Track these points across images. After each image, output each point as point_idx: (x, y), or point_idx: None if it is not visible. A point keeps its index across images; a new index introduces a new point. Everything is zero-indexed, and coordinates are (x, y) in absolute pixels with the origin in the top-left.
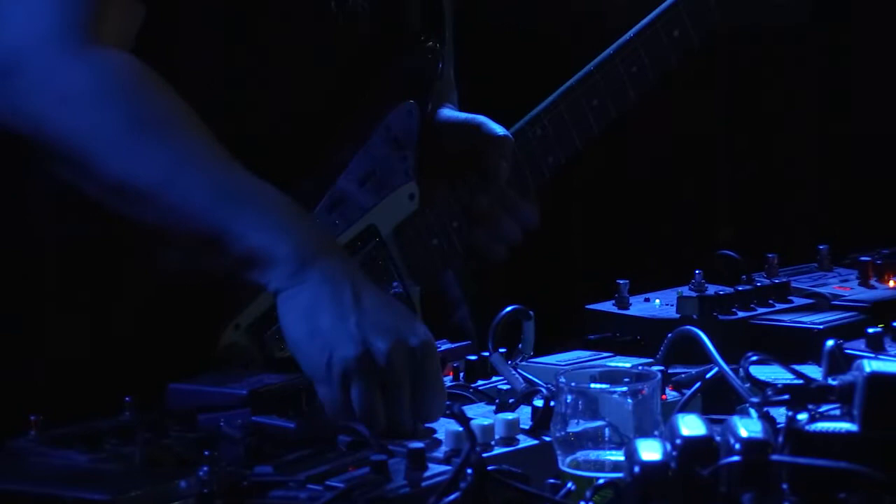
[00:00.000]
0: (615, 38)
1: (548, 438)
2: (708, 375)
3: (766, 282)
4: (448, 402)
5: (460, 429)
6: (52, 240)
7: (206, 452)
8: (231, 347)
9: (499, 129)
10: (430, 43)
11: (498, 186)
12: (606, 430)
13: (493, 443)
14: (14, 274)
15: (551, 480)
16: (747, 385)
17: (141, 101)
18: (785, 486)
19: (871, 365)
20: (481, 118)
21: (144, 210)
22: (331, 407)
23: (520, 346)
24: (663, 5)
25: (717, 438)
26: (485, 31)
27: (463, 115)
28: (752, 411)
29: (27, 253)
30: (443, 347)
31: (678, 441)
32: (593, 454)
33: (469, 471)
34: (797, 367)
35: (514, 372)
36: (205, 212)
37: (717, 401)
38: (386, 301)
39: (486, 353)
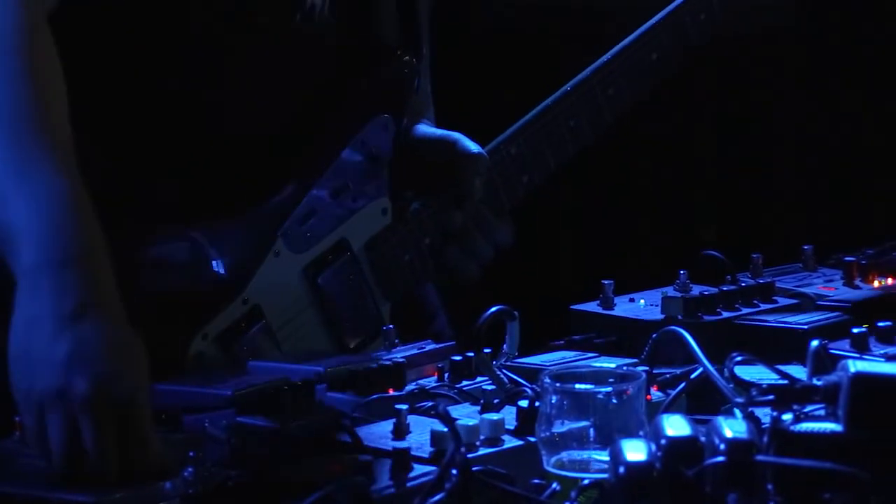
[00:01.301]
0: (597, 55)
1: (533, 439)
2: (693, 375)
3: (751, 282)
4: (433, 403)
5: (445, 429)
6: None
7: (191, 453)
8: (199, 357)
9: (473, 147)
10: (407, 57)
11: (472, 204)
12: (591, 431)
13: (477, 443)
14: None
15: (536, 481)
16: (732, 385)
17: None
18: (770, 486)
19: (856, 365)
20: (457, 135)
21: None
22: (29, 434)
23: (504, 346)
24: (642, 28)
25: (702, 439)
26: (463, 47)
27: (439, 132)
28: (737, 411)
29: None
30: (427, 348)
31: (663, 441)
32: (578, 454)
33: (454, 471)
34: (782, 368)
35: (498, 372)
36: None
37: (702, 401)
38: (113, 339)
39: (471, 354)
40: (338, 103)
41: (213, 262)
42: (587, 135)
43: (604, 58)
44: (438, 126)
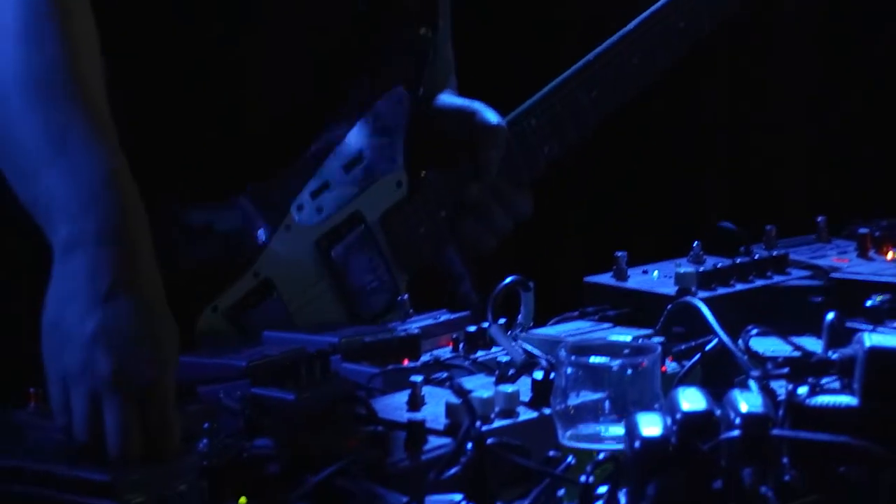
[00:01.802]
0: (622, 23)
1: (548, 411)
2: (708, 347)
3: (765, 254)
4: (446, 374)
5: (459, 402)
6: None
7: (206, 425)
8: (209, 330)
9: (493, 118)
10: (423, 30)
11: (490, 176)
12: (606, 403)
13: (492, 416)
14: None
15: (551, 453)
16: (747, 358)
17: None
18: (785, 460)
19: (872, 338)
20: (477, 105)
21: None
22: (54, 406)
23: (519, 317)
24: None
25: (718, 412)
26: (485, 16)
27: (458, 102)
28: (753, 384)
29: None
30: (441, 318)
31: (678, 416)
32: (593, 427)
33: (469, 444)
34: (797, 341)
35: (513, 343)
36: (31, 141)
37: (717, 373)
38: (142, 320)
39: (486, 324)
40: (351, 75)
41: (225, 234)
42: (610, 106)
43: (629, 26)
44: (460, 94)
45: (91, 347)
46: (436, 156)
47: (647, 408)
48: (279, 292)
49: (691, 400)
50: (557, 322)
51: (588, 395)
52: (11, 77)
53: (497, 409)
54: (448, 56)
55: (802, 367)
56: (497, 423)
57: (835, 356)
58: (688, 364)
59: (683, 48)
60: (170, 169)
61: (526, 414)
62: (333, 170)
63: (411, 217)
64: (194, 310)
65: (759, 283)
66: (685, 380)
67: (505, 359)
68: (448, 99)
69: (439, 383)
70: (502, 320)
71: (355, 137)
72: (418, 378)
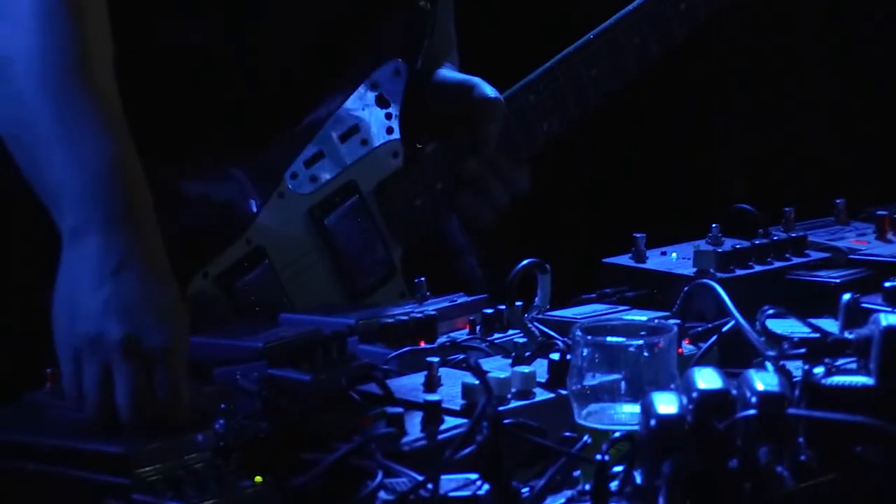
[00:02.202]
0: (621, 6)
1: (564, 392)
2: (724, 328)
3: (783, 235)
4: (466, 356)
5: (476, 382)
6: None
7: (223, 405)
8: (199, 296)
9: (491, 92)
10: (422, 2)
11: (488, 150)
12: (622, 384)
13: (509, 396)
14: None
15: (567, 433)
16: (763, 339)
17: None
18: (801, 439)
19: (888, 319)
20: (475, 80)
21: None
22: (65, 379)
23: (536, 299)
24: None
25: (734, 392)
26: None
27: (458, 76)
28: (769, 365)
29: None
30: (459, 301)
31: (694, 394)
32: (609, 407)
33: (485, 424)
34: (814, 321)
35: (530, 325)
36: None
37: (734, 354)
38: (151, 291)
39: (503, 307)
40: (350, 46)
41: (220, 203)
42: (610, 84)
43: (629, 6)
44: (461, 70)
45: (101, 318)
46: (434, 129)
47: (664, 388)
48: (271, 260)
49: (707, 379)
50: (574, 304)
51: (604, 376)
52: (25, 62)
53: (513, 389)
54: (450, 32)
55: (819, 348)
56: (513, 404)
57: (851, 336)
58: (704, 345)
59: (684, 31)
60: (166, 139)
61: (542, 394)
62: (329, 139)
63: (407, 189)
64: (184, 275)
65: (778, 264)
66: (701, 361)
67: (521, 341)
68: (447, 73)
69: (455, 365)
70: (519, 303)
71: (352, 107)
72: (435, 359)
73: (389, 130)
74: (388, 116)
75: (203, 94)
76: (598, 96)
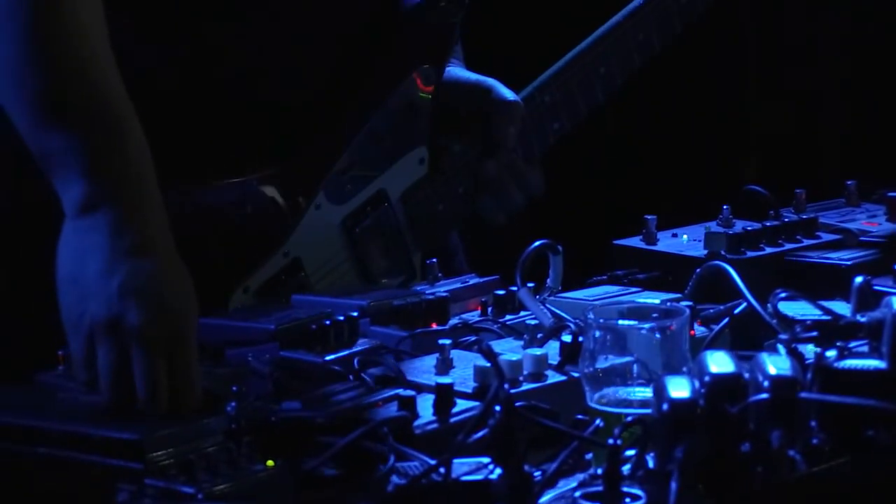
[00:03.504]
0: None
1: (576, 374)
2: (736, 311)
3: (794, 217)
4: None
5: (488, 364)
6: None
7: (234, 388)
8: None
9: (509, 95)
10: (445, 3)
11: (507, 152)
12: (635, 367)
13: (521, 378)
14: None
15: (579, 417)
16: (776, 321)
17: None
18: (813, 423)
19: None
20: (492, 81)
21: None
22: (76, 361)
23: (548, 280)
24: None
25: (746, 376)
26: None
27: (473, 77)
28: (781, 348)
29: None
30: (471, 282)
31: (707, 378)
32: (621, 390)
33: (497, 407)
34: (826, 304)
35: (542, 307)
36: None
37: (746, 337)
38: (167, 274)
39: (515, 288)
40: (380, 54)
41: (253, 214)
42: (616, 80)
43: (634, 3)
44: (471, 71)
45: (119, 301)
46: (450, 130)
47: (676, 371)
48: (306, 271)
49: (720, 363)
50: (586, 286)
51: (616, 359)
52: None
53: (525, 372)
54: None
55: (831, 331)
56: (525, 386)
57: (863, 319)
58: (716, 328)
59: (682, 24)
60: (199, 155)
61: (554, 377)
62: (361, 148)
63: (431, 194)
64: (226, 289)
65: (789, 246)
66: (713, 344)
67: (533, 322)
68: (460, 74)
69: (467, 347)
70: (531, 284)
71: (383, 115)
72: (447, 341)
73: (415, 136)
74: (416, 123)
75: (235, 108)
76: (605, 94)
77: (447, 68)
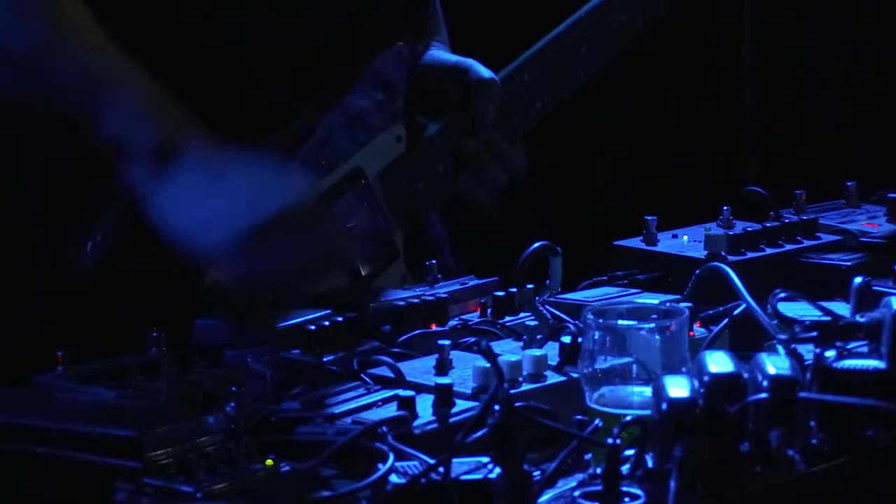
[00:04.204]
0: None
1: (575, 375)
2: (736, 312)
3: (794, 218)
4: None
5: (488, 365)
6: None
7: (233, 388)
8: (215, 286)
9: (486, 73)
10: None
11: (485, 131)
12: (634, 367)
13: (520, 379)
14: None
15: (579, 417)
16: (775, 322)
17: None
18: (812, 423)
19: None
20: (470, 61)
21: (20, 79)
22: (239, 277)
23: (547, 282)
24: None
25: (745, 375)
26: None
27: (452, 59)
28: (780, 348)
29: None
30: (470, 283)
31: (706, 378)
32: (621, 391)
33: (496, 407)
34: (825, 305)
35: (541, 308)
36: (72, 92)
37: (745, 338)
38: (264, 169)
39: (514, 290)
40: (353, 32)
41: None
42: (599, 61)
43: None
44: (453, 52)
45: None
46: (431, 111)
47: (675, 371)
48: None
49: (719, 363)
50: (586, 287)
51: (615, 359)
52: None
53: (525, 372)
54: (437, 10)
55: (830, 331)
56: (525, 387)
57: (862, 320)
58: (715, 329)
59: (667, 8)
60: None
61: (553, 377)
62: (336, 126)
63: (410, 173)
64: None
65: (789, 247)
66: (713, 344)
67: (533, 323)
68: (440, 55)
69: (467, 347)
70: (530, 286)
71: (357, 93)
72: (446, 342)
73: (392, 114)
74: (391, 101)
75: (208, 86)
76: (588, 74)
77: (430, 51)
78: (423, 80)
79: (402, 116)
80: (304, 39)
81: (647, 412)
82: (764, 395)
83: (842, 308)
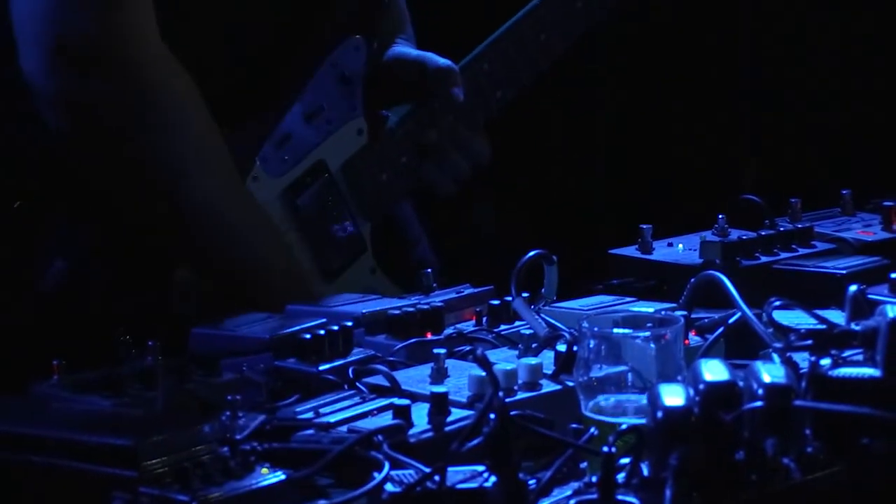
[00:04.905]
0: None
1: (571, 383)
2: (731, 320)
3: (790, 226)
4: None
5: (483, 374)
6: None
7: (229, 397)
8: (183, 282)
9: (442, 61)
10: None
11: (446, 119)
12: (629, 375)
13: (516, 388)
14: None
15: (574, 425)
16: (770, 330)
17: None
18: (808, 431)
19: (895, 310)
20: (428, 54)
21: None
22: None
23: (543, 290)
24: None
25: (740, 384)
26: None
27: (412, 52)
28: (775, 356)
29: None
30: (466, 292)
31: (701, 386)
32: (616, 399)
33: (492, 416)
34: (820, 313)
35: (536, 317)
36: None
37: (740, 346)
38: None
39: (509, 298)
40: (308, 26)
41: None
42: (558, 49)
43: None
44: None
45: None
46: (392, 104)
47: (670, 380)
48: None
49: (714, 371)
50: (581, 296)
51: (611, 368)
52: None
53: (520, 381)
54: (401, 5)
55: (825, 339)
56: (520, 396)
57: (858, 328)
58: (711, 337)
59: None
60: None
61: (549, 386)
62: (296, 120)
63: (373, 164)
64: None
65: (784, 255)
66: (708, 353)
67: (528, 332)
68: (401, 49)
69: (462, 356)
70: (526, 294)
71: (315, 87)
72: (441, 351)
73: (352, 107)
74: (351, 94)
75: None
76: (548, 62)
77: (393, 47)
78: (383, 73)
79: (362, 109)
80: (258, 32)
81: (643, 420)
82: (759, 403)
83: (837, 316)
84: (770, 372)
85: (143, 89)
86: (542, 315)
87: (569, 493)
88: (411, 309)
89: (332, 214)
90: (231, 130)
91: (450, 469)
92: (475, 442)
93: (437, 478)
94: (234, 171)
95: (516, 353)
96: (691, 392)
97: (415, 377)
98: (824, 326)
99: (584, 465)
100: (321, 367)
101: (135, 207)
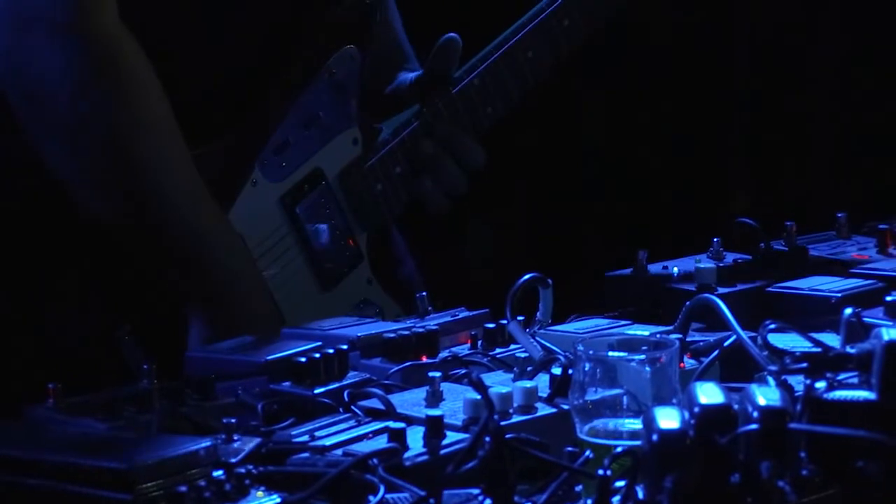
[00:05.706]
0: None
1: (566, 407)
2: (726, 343)
3: (785, 249)
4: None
5: (478, 397)
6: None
7: (224, 420)
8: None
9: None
10: None
11: (442, 129)
12: (624, 399)
13: (511, 411)
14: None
15: (569, 448)
16: (765, 353)
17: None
18: (803, 454)
19: (890, 333)
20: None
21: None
22: None
23: (538, 314)
24: None
25: (736, 407)
26: None
27: (411, 76)
28: (770, 379)
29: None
30: (461, 315)
31: (696, 409)
32: (611, 422)
33: (487, 439)
34: (815, 336)
35: (532, 340)
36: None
37: (736, 369)
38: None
39: (504, 321)
40: (304, 35)
41: None
42: (546, 66)
43: None
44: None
45: None
46: (386, 114)
47: (665, 403)
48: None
49: (709, 394)
50: (576, 319)
51: (606, 391)
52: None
53: (515, 404)
54: (402, 43)
55: (820, 362)
56: (515, 419)
57: (853, 351)
58: (706, 360)
59: (609, 14)
60: None
61: (544, 409)
62: (294, 127)
63: (367, 174)
64: None
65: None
66: (703, 376)
67: (523, 355)
68: (403, 76)
69: (458, 379)
70: (521, 317)
71: (312, 95)
72: (437, 374)
73: (348, 117)
74: (346, 103)
75: (167, 86)
76: (536, 79)
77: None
78: (376, 83)
79: (357, 119)
80: (257, 39)
81: (638, 443)
82: (754, 426)
83: (832, 339)
84: (765, 395)
85: (93, 57)
86: (538, 338)
87: None
88: (407, 332)
89: (329, 223)
90: (231, 134)
91: (445, 492)
92: (470, 465)
93: (432, 501)
94: (186, 154)
95: (511, 376)
96: (686, 415)
97: (410, 400)
98: (819, 349)
99: (579, 488)
100: (316, 391)
101: (90, 187)
